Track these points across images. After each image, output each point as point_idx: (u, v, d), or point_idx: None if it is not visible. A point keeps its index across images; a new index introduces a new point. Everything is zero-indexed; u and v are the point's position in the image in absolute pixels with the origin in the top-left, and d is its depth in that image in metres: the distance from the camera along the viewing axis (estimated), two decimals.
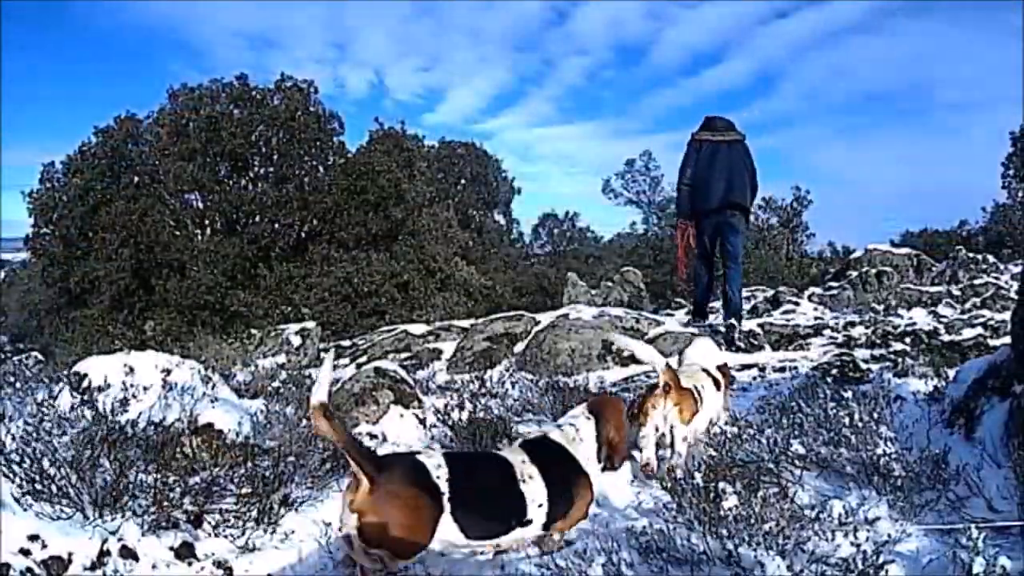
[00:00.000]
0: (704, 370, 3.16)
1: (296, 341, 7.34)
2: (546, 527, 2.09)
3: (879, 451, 2.47)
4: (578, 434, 2.20)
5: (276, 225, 12.45)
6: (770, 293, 9.42)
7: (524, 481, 2.02)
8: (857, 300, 8.84)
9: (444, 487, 1.85)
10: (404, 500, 1.80)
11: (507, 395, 4.35)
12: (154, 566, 2.19)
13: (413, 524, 1.81)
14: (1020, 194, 17.49)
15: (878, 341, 5.25)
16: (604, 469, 2.26)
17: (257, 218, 12.30)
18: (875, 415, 2.69)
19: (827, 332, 6.00)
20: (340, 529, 1.85)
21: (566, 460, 2.14)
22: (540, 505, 2.03)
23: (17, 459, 2.52)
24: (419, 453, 2.01)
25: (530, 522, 2.04)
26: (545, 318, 6.18)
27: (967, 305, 7.10)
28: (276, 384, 4.64)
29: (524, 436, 2.33)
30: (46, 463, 2.56)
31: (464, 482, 1.88)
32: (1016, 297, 2.67)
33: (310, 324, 7.99)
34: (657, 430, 2.80)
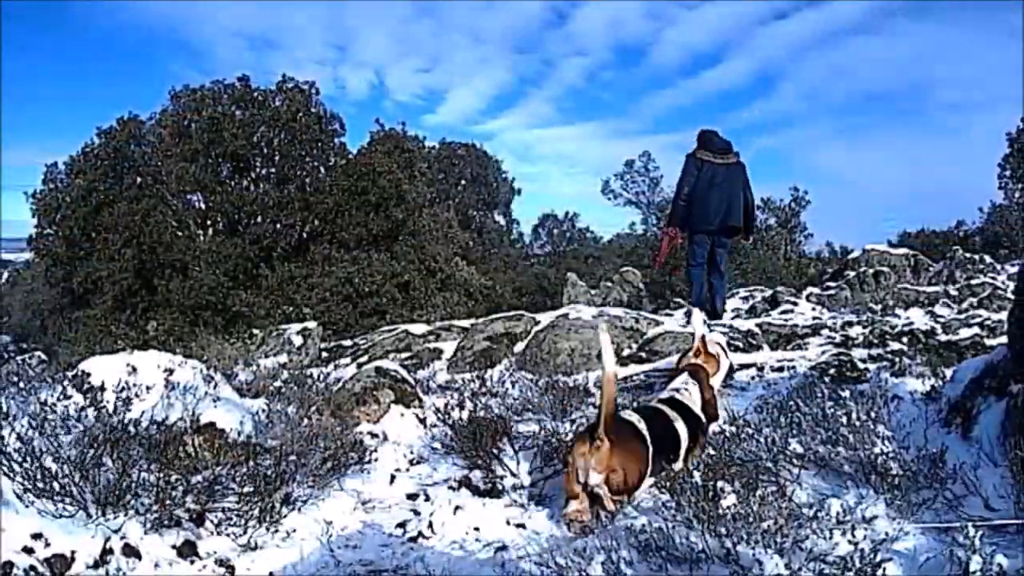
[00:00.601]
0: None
1: (298, 341, 7.34)
2: (681, 462, 2.60)
3: (877, 450, 2.47)
4: (690, 395, 2.78)
5: (278, 225, 12.45)
6: (768, 293, 9.42)
7: (678, 428, 2.58)
8: (855, 300, 8.83)
9: (647, 438, 2.42)
10: (636, 453, 2.39)
11: (507, 394, 4.34)
12: (156, 564, 2.19)
13: (642, 469, 2.41)
14: (1017, 195, 17.49)
15: (875, 341, 5.25)
16: (708, 420, 2.82)
17: (259, 218, 12.30)
18: (873, 414, 2.69)
19: (825, 332, 6.00)
20: (584, 485, 2.35)
21: (692, 413, 2.71)
22: (683, 446, 2.59)
23: (20, 458, 2.52)
24: (622, 411, 2.58)
25: (676, 459, 2.56)
26: (545, 318, 6.18)
27: (964, 305, 7.09)
28: (278, 384, 4.63)
29: (657, 397, 2.92)
30: (49, 461, 2.56)
31: (653, 432, 2.46)
32: (1013, 297, 2.67)
33: (311, 324, 7.98)
34: None
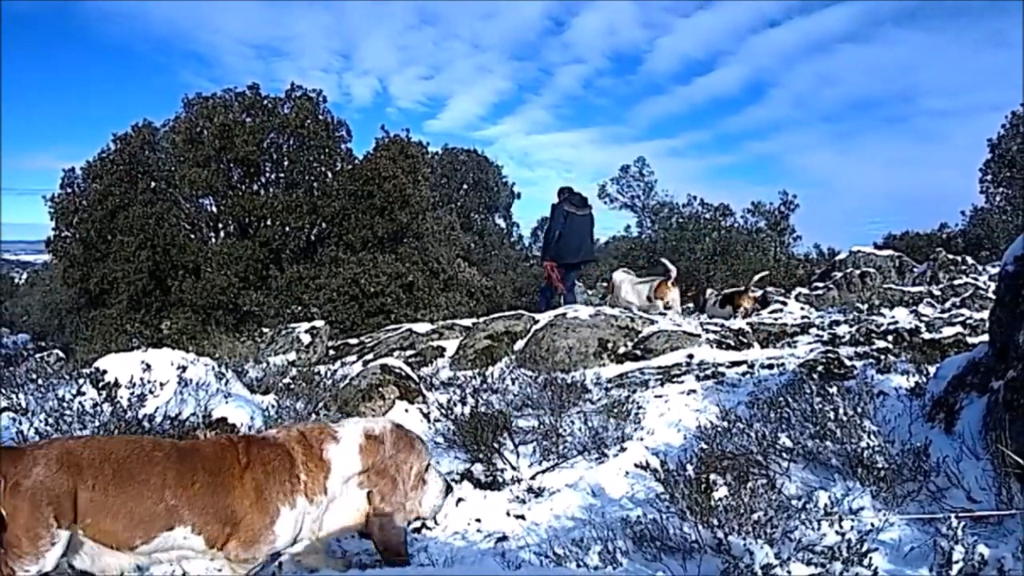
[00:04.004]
0: None
1: (306, 339, 7.34)
2: None
3: (863, 444, 2.47)
4: None
5: (287, 228, 12.44)
6: (758, 293, 9.41)
7: None
8: (842, 300, 8.83)
9: None
10: None
11: (507, 391, 4.34)
12: None
13: None
14: (998, 199, 17.48)
15: (862, 339, 5.25)
16: None
17: (268, 222, 12.29)
18: (859, 410, 2.69)
19: (813, 330, 5.99)
20: None
21: None
22: None
23: None
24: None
25: None
26: (544, 317, 6.18)
27: (947, 304, 7.09)
28: (287, 380, 4.64)
29: None
30: None
31: None
32: (993, 297, 2.67)
33: (319, 323, 7.98)
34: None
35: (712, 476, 2.24)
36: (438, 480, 2.25)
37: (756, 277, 8.56)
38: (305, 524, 2.03)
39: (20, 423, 2.87)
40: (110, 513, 1.84)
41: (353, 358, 6.88)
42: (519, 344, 5.89)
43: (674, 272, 7.52)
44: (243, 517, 1.94)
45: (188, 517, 1.89)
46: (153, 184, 12.41)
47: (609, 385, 4.62)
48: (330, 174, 13.01)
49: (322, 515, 2.07)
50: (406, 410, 4.05)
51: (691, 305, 9.05)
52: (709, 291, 8.81)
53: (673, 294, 7.40)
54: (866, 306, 7.24)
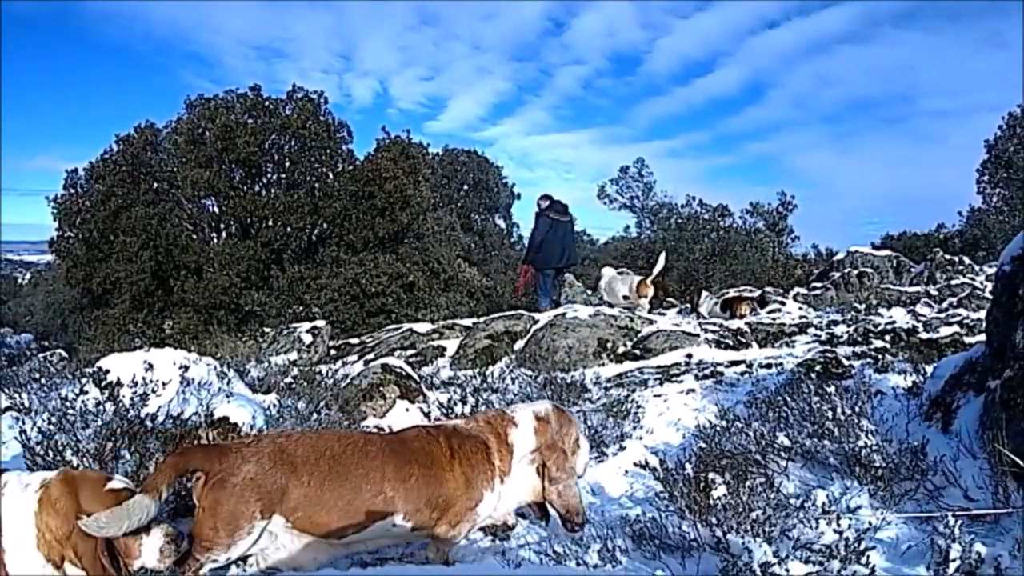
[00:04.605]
0: None
1: (307, 339, 7.34)
2: None
3: (861, 443, 2.47)
4: None
5: (288, 229, 12.45)
6: (757, 293, 9.41)
7: None
8: (840, 300, 8.83)
9: None
10: None
11: (507, 390, 4.34)
12: None
13: None
14: (994, 199, 17.49)
15: (860, 339, 5.25)
16: None
17: (270, 222, 12.29)
18: (857, 409, 2.69)
19: (811, 330, 6.00)
20: None
21: None
22: None
23: (42, 451, 2.52)
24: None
25: None
26: (543, 317, 6.18)
27: (944, 304, 7.08)
28: (288, 380, 4.63)
29: None
30: (69, 454, 2.56)
31: None
32: (990, 297, 2.67)
33: (320, 323, 7.99)
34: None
35: (711, 475, 2.24)
36: (585, 442, 2.45)
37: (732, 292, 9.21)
38: (499, 503, 2.22)
39: (23, 422, 2.87)
40: (324, 506, 1.95)
41: (354, 358, 6.89)
42: (519, 344, 5.89)
43: (656, 270, 7.85)
44: (453, 504, 2.10)
45: (403, 506, 2.03)
46: (155, 185, 12.41)
47: (608, 384, 4.62)
48: (331, 175, 13.01)
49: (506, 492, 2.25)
50: (407, 409, 4.05)
51: (688, 306, 9.11)
52: (704, 293, 8.96)
53: (650, 291, 7.81)
54: (864, 306, 7.23)
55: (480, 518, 2.18)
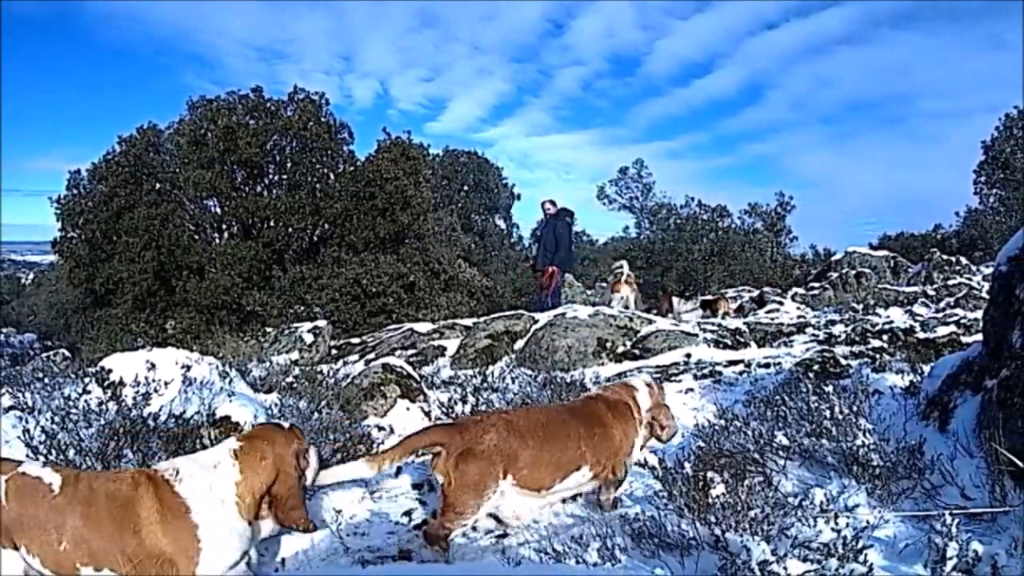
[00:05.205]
0: None
1: (308, 339, 7.34)
2: None
3: (858, 442, 2.47)
4: None
5: (290, 229, 12.45)
6: (755, 293, 9.41)
7: None
8: (837, 299, 8.84)
9: None
10: None
11: (507, 389, 4.34)
12: None
13: None
14: (991, 200, 17.49)
15: (857, 338, 5.25)
16: None
17: (272, 223, 12.29)
18: (854, 408, 2.69)
19: (809, 330, 6.00)
20: None
21: None
22: None
23: (45, 450, 2.52)
24: None
25: None
26: (543, 317, 6.18)
27: (941, 304, 7.09)
28: (289, 379, 4.63)
29: None
30: (72, 453, 2.56)
31: None
32: (987, 297, 2.67)
33: (322, 323, 7.98)
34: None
35: (709, 474, 2.24)
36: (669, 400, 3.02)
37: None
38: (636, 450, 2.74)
39: (26, 421, 2.87)
40: (541, 463, 2.39)
41: (355, 357, 6.89)
42: (519, 343, 5.89)
43: (626, 271, 9.04)
44: (619, 452, 2.59)
45: (590, 458, 2.50)
46: (158, 186, 12.41)
47: (608, 384, 4.62)
48: (332, 176, 13.00)
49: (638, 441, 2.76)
50: (407, 408, 4.04)
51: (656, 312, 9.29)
52: (676, 300, 9.70)
53: (625, 291, 8.63)
54: (861, 306, 7.24)
55: (630, 462, 2.66)
